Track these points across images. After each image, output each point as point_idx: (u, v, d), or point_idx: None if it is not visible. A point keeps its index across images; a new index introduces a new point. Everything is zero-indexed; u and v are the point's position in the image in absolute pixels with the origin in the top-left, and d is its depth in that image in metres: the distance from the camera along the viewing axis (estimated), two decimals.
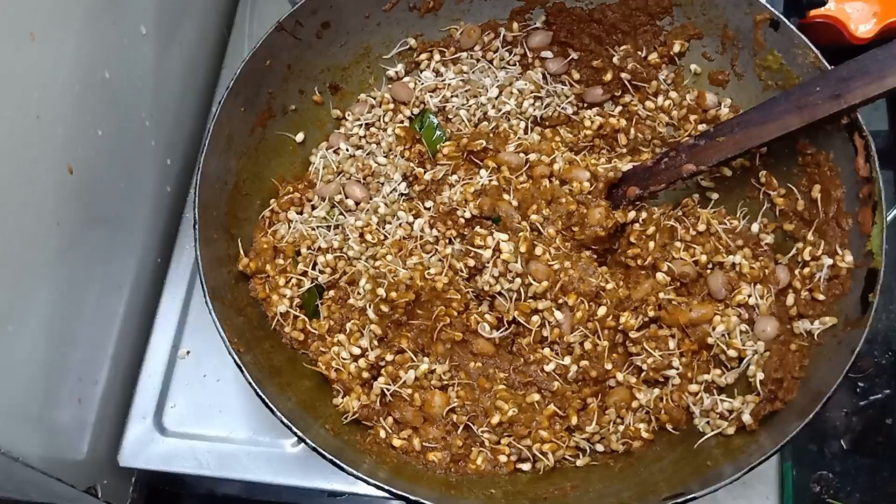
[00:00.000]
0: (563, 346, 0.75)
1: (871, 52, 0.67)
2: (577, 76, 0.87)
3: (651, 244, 0.76)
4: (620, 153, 0.85)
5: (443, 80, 0.87)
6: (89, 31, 0.69)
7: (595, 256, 0.79)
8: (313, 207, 0.82)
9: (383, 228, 0.80)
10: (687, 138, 0.81)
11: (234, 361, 0.66)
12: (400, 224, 0.79)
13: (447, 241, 0.79)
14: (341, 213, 0.82)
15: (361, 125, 0.86)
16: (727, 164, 0.78)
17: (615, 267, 0.79)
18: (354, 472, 0.63)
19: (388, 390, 0.73)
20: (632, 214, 0.79)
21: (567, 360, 0.74)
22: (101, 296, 0.77)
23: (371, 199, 0.82)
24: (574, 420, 0.73)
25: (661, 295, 0.74)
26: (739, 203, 0.80)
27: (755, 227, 0.78)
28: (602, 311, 0.74)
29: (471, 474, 0.72)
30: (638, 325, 0.74)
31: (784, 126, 0.71)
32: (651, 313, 0.74)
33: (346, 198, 0.82)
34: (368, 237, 0.79)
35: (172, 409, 0.81)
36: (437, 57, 0.88)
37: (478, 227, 0.78)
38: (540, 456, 0.71)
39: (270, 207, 0.81)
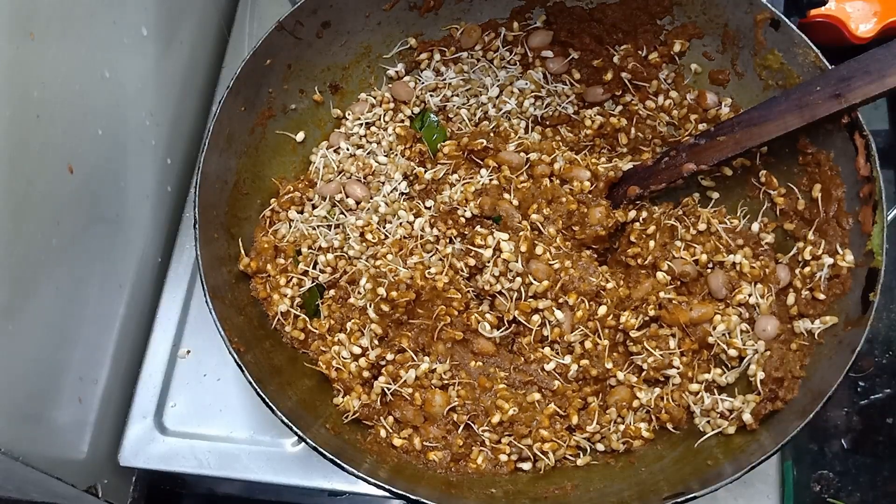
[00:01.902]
0: (563, 345, 0.75)
1: (872, 52, 0.67)
2: (577, 76, 0.87)
3: (651, 243, 0.76)
4: (621, 153, 0.85)
5: (443, 80, 0.87)
6: (89, 30, 0.69)
7: (595, 256, 0.79)
8: (314, 207, 0.82)
9: (384, 228, 0.80)
10: (687, 138, 0.81)
11: (235, 361, 0.66)
12: (400, 223, 0.79)
13: (448, 240, 0.79)
14: (342, 213, 0.81)
15: (362, 124, 0.86)
16: (728, 163, 0.78)
17: (615, 266, 0.79)
18: (355, 472, 0.63)
19: (389, 390, 0.73)
20: (632, 214, 0.79)
21: (567, 359, 0.74)
22: (101, 296, 0.76)
23: (371, 198, 0.82)
24: (574, 419, 0.73)
25: (662, 294, 0.74)
26: (740, 202, 0.80)
27: (755, 227, 0.78)
28: (602, 310, 0.74)
29: (471, 473, 0.72)
30: (638, 324, 0.74)
31: (784, 125, 0.71)
32: (652, 312, 0.74)
33: (347, 197, 0.81)
34: (369, 236, 0.79)
35: (173, 409, 0.81)
36: (437, 56, 0.88)
37: (478, 226, 0.78)
38: (540, 455, 0.71)
39: (271, 207, 0.81)
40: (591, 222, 0.77)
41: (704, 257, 0.75)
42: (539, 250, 0.75)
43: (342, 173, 0.83)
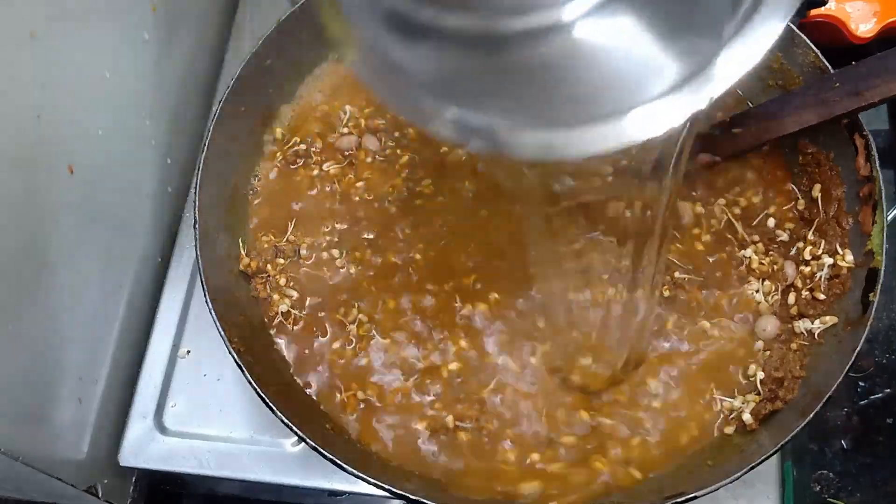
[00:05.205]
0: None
1: (894, 50, 0.66)
2: None
3: None
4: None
5: None
6: (89, 30, 0.69)
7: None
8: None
9: None
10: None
11: (235, 361, 0.66)
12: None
13: None
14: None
15: None
16: (741, 155, 0.77)
17: None
18: (355, 472, 0.62)
19: None
20: None
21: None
22: (101, 296, 0.76)
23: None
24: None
25: None
26: None
27: (771, 222, 0.77)
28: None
29: None
30: None
31: (801, 121, 0.70)
32: None
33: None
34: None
35: (173, 409, 0.80)
36: None
37: None
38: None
39: (282, 151, 0.80)
40: (608, 215, 0.77)
41: None
42: None
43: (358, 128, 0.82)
